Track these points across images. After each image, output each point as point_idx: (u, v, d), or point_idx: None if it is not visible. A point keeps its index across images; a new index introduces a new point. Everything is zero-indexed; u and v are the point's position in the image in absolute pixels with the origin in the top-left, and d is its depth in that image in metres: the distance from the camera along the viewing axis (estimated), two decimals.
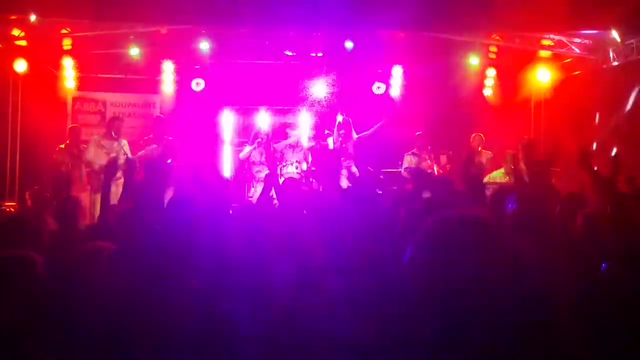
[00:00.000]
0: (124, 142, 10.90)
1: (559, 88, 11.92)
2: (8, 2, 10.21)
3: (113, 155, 10.45)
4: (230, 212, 5.28)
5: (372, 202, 5.40)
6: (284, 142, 11.96)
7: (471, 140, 11.60)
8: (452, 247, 1.93)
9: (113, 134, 10.61)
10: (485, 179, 9.84)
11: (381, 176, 10.99)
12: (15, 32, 11.09)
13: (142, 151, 10.95)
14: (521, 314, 1.90)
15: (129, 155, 10.83)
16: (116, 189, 10.17)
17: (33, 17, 10.32)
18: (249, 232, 4.45)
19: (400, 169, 11.84)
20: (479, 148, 11.38)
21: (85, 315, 3.20)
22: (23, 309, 2.71)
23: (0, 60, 11.22)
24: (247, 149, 11.62)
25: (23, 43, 11.24)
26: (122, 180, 10.54)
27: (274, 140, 11.83)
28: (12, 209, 10.00)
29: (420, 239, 2.01)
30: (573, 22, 10.21)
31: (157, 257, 3.77)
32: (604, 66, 11.33)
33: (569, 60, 12.01)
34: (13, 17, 10.73)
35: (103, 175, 8.08)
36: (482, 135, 11.67)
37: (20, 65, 11.25)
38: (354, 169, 11.47)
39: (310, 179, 11.32)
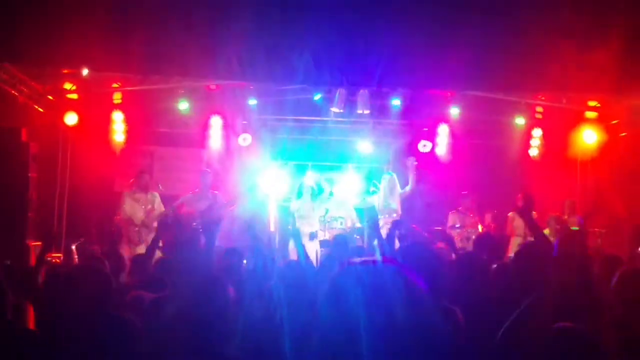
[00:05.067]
0: (155, 194, 10.98)
1: (605, 149, 11.83)
2: (61, 56, 10.35)
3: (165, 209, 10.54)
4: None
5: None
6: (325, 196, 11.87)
7: (517, 199, 11.50)
8: None
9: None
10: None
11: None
12: (67, 85, 11.25)
13: (180, 200, 10.98)
14: None
15: (161, 207, 10.89)
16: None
17: (85, 71, 10.46)
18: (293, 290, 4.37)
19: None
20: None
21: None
22: None
23: (52, 113, 11.34)
24: (296, 203, 11.57)
25: (74, 96, 11.38)
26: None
27: (318, 194, 11.79)
28: (58, 261, 9.98)
29: None
30: (621, 84, 10.18)
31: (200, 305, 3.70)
32: None
33: (615, 121, 11.96)
34: (65, 71, 10.89)
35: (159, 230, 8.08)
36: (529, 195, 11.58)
37: (71, 119, 11.35)
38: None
39: (356, 236, 11.22)
